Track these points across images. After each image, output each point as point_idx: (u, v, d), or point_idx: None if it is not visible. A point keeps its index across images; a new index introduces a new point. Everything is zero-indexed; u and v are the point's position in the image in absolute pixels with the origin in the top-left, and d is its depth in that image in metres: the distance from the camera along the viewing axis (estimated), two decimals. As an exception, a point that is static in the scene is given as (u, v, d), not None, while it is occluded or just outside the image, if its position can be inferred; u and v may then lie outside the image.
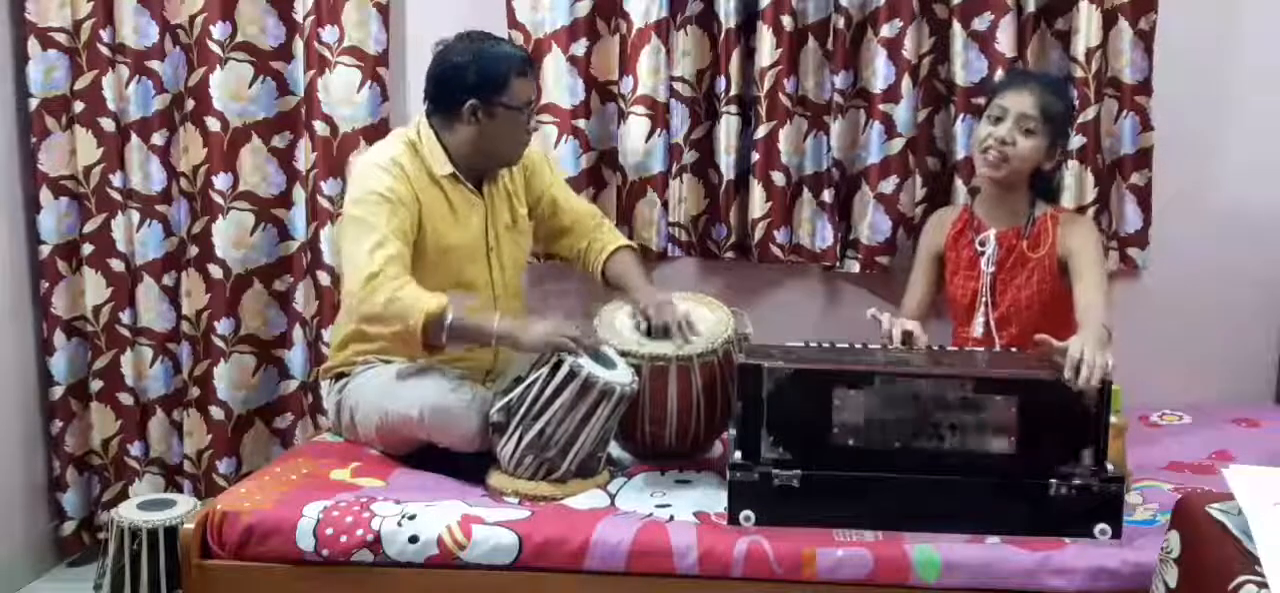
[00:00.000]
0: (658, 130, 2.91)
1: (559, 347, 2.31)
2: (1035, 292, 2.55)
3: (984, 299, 2.60)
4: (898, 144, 2.87)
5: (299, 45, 2.99)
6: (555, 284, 3.03)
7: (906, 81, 2.84)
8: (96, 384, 3.09)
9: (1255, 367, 2.99)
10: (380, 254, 2.39)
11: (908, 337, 2.41)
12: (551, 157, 2.88)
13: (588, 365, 2.27)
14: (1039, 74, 2.72)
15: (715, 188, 2.97)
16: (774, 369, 2.13)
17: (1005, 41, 2.79)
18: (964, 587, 2.05)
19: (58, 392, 3.07)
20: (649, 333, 2.48)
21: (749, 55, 2.89)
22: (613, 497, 2.32)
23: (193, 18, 2.96)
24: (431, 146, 2.55)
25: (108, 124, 2.99)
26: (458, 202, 2.57)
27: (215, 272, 3.03)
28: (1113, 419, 2.12)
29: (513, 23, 2.91)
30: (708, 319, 2.51)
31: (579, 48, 2.90)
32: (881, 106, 2.86)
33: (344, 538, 2.14)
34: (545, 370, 2.30)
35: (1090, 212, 2.80)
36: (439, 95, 2.54)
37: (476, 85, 2.49)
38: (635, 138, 2.92)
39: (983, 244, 2.60)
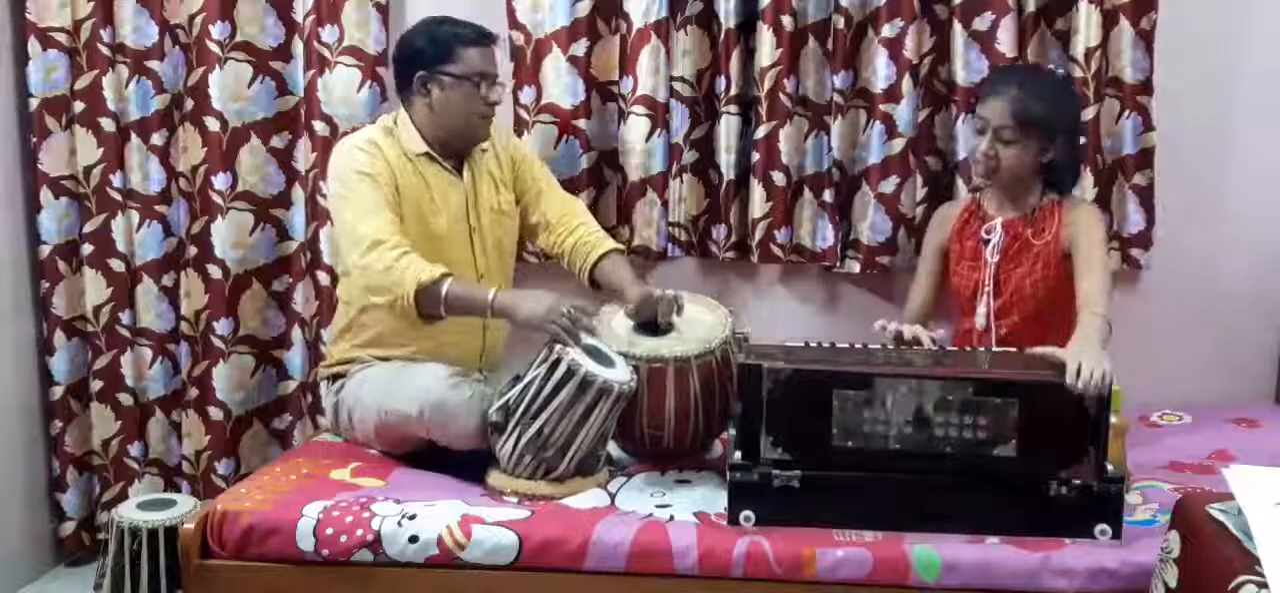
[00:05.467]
0: (658, 130, 2.91)
1: (554, 336, 2.31)
2: (1038, 279, 2.55)
3: (986, 288, 2.60)
4: (898, 144, 2.87)
5: (298, 45, 2.99)
6: (547, 283, 3.01)
7: (907, 81, 2.83)
8: (97, 384, 3.08)
9: (1255, 367, 2.99)
10: (371, 223, 2.43)
11: (914, 340, 2.40)
12: (549, 155, 2.89)
13: (585, 363, 2.27)
14: (1016, 75, 2.63)
15: (715, 188, 2.97)
16: (774, 369, 2.13)
17: (1005, 41, 2.79)
18: (964, 587, 2.05)
19: (58, 392, 3.07)
20: (640, 328, 2.47)
21: (749, 55, 2.89)
22: (613, 497, 2.32)
23: (192, 17, 2.96)
24: (406, 128, 2.58)
25: (108, 124, 2.99)
26: (435, 182, 2.59)
27: (214, 272, 3.03)
28: (1113, 419, 2.12)
29: (513, 23, 2.91)
30: (706, 320, 2.51)
31: (579, 48, 2.89)
32: (882, 106, 2.86)
33: (344, 538, 2.14)
34: (543, 369, 2.30)
35: (1095, 204, 2.78)
36: (398, 74, 2.61)
37: (424, 56, 2.55)
38: (635, 138, 2.92)
39: (989, 233, 2.60)
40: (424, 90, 2.55)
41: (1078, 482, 2.09)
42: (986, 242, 2.60)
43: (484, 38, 2.57)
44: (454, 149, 2.62)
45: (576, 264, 2.72)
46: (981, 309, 2.60)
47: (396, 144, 2.56)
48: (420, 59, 2.55)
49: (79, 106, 2.98)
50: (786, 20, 2.82)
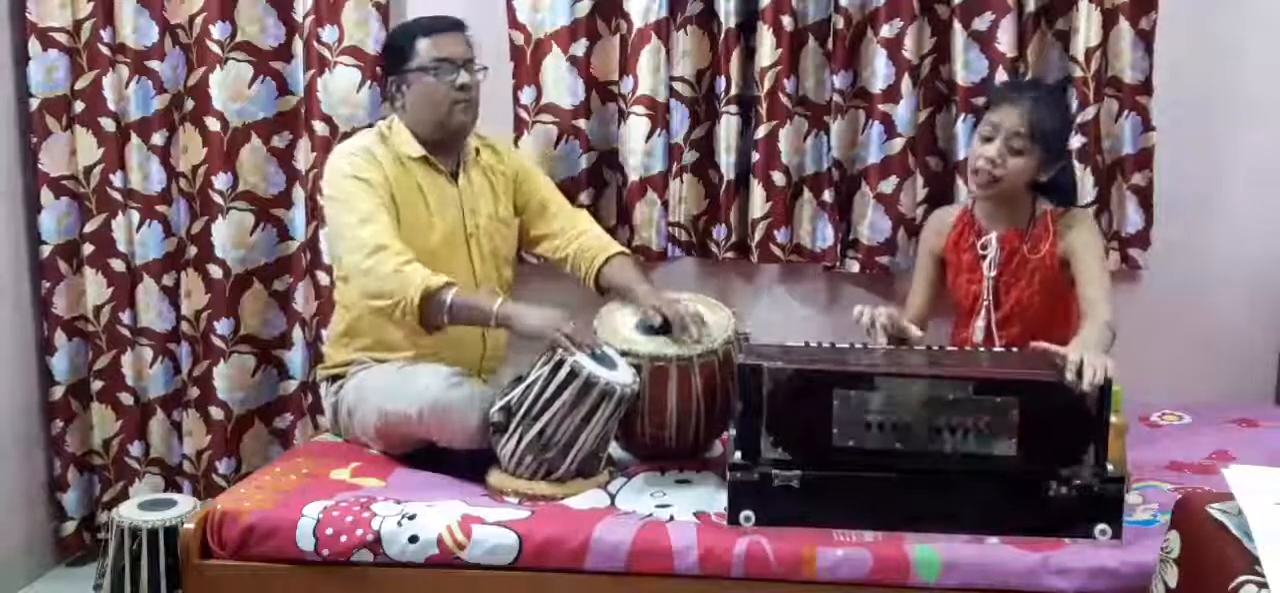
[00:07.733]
0: (658, 130, 2.91)
1: (555, 341, 2.30)
2: (1037, 291, 2.55)
3: (986, 302, 2.60)
4: (898, 144, 2.87)
5: (299, 45, 2.99)
6: (548, 284, 3.02)
7: (906, 81, 2.84)
8: (97, 384, 3.09)
9: (1255, 367, 2.99)
10: (372, 228, 2.43)
11: (902, 335, 2.40)
12: (549, 155, 2.90)
13: (588, 365, 2.27)
14: (1032, 86, 2.69)
15: (715, 188, 2.97)
16: (774, 369, 2.13)
17: (1006, 41, 2.79)
18: (964, 587, 2.04)
19: (58, 392, 3.07)
20: (659, 330, 2.46)
21: (749, 55, 2.89)
22: (613, 497, 2.32)
23: (192, 17, 2.96)
24: (401, 134, 2.58)
25: (108, 124, 2.99)
26: (430, 187, 2.59)
27: (215, 272, 3.03)
28: (1113, 419, 2.12)
29: (513, 23, 2.91)
30: (710, 320, 2.51)
31: (579, 48, 2.90)
32: (881, 106, 2.86)
33: (344, 538, 2.14)
34: (546, 371, 2.30)
35: (1090, 210, 2.79)
36: (379, 86, 2.63)
37: (388, 61, 2.59)
38: (635, 138, 2.92)
39: (984, 248, 2.60)
40: (398, 94, 2.57)
41: (1078, 482, 2.09)
42: (983, 257, 2.60)
43: (437, 26, 2.56)
44: (446, 148, 2.61)
45: (582, 269, 2.71)
46: (981, 321, 2.61)
47: (391, 149, 2.56)
48: (387, 66, 2.59)
49: (79, 106, 2.98)
50: (786, 20, 2.82)
